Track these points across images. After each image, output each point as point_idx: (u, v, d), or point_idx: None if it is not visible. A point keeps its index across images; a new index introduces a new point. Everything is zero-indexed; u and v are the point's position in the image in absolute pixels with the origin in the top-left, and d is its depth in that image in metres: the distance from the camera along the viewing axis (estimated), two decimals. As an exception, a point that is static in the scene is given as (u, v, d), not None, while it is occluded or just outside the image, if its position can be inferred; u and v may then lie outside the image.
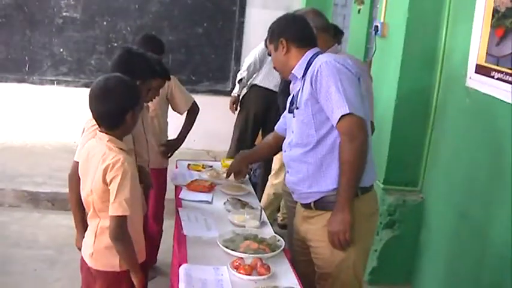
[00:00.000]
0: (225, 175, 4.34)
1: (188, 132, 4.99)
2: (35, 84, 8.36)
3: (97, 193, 2.92)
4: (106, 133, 2.96)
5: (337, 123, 3.10)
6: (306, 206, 3.40)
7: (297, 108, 3.30)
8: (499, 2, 3.73)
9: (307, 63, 3.30)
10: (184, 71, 8.41)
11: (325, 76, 3.12)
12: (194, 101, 5.00)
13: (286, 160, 3.47)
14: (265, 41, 3.62)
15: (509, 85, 3.57)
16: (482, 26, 3.90)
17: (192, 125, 5.02)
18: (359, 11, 5.87)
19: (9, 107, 8.36)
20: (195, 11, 8.46)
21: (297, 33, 3.40)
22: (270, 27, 3.51)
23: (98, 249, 3.03)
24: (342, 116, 3.07)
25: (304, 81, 3.28)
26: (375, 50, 5.11)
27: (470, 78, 4.05)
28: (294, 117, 3.37)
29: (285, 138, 3.57)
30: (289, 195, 3.78)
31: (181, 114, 4.96)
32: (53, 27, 8.29)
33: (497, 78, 3.71)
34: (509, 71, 3.58)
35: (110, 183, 2.87)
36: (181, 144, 4.93)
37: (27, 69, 8.39)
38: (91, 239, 3.06)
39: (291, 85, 3.64)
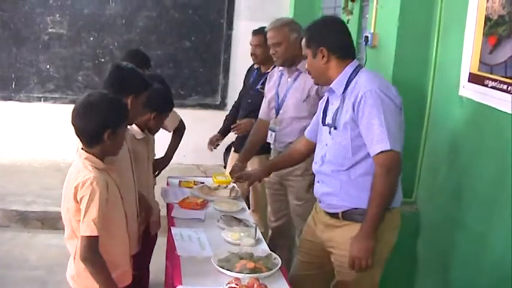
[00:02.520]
0: (217, 191, 4.36)
1: (175, 151, 4.97)
2: (22, 101, 8.31)
3: (71, 211, 2.90)
4: (86, 151, 2.94)
5: (376, 155, 3.16)
6: (333, 215, 3.47)
7: (335, 129, 3.32)
8: (491, 10, 3.69)
9: (348, 79, 3.31)
10: (172, 86, 8.24)
11: (368, 105, 3.16)
12: (181, 120, 4.96)
13: (317, 172, 3.53)
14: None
15: (504, 93, 3.52)
16: (475, 34, 3.86)
17: (179, 144, 5.01)
18: (348, 22, 5.83)
19: (-4, 125, 8.30)
20: (182, 25, 8.44)
21: (339, 42, 3.40)
22: (308, 30, 3.50)
23: (78, 272, 2.99)
24: (383, 151, 3.13)
25: (343, 99, 3.29)
26: (366, 61, 5.07)
27: (463, 87, 4.00)
28: (329, 134, 3.38)
29: (314, 143, 3.63)
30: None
31: (169, 131, 4.91)
32: (39, 44, 8.25)
33: (491, 87, 3.66)
34: (503, 79, 3.53)
35: (80, 202, 2.84)
36: (168, 163, 4.88)
37: (13, 86, 8.33)
38: (71, 260, 3.04)
39: (325, 94, 3.64)
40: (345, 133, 3.27)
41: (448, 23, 4.33)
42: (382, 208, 3.24)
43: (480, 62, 3.80)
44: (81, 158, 2.94)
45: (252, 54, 5.51)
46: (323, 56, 3.36)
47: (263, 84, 5.19)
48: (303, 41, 3.48)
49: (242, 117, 5.56)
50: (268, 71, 5.20)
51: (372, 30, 4.96)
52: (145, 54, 5.10)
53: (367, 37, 4.98)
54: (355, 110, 3.22)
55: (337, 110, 3.34)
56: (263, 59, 5.38)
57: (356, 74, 3.32)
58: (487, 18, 3.72)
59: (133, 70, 3.49)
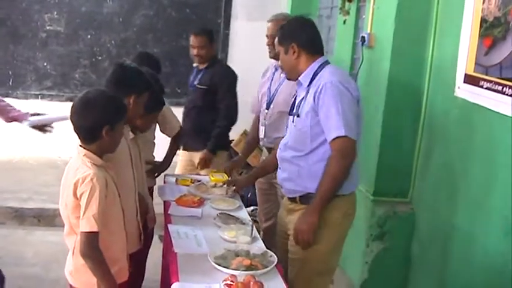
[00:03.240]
0: (214, 189, 4.38)
1: (174, 155, 5.02)
2: (19, 98, 8.27)
3: (70, 208, 2.91)
4: (84, 147, 2.95)
5: (332, 140, 3.38)
6: (292, 200, 3.72)
7: (298, 116, 3.55)
8: (487, 12, 3.72)
9: (314, 73, 3.54)
10: (169, 84, 8.33)
11: (328, 95, 3.39)
12: (181, 126, 5.04)
13: (280, 159, 3.73)
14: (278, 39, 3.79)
15: (498, 94, 3.56)
16: (470, 35, 3.89)
17: (177, 150, 5.08)
18: (344, 22, 5.86)
19: (-7, 122, 8.28)
20: (179, 24, 8.45)
21: (308, 39, 3.63)
22: (281, 28, 3.75)
23: (76, 267, 3.01)
24: (338, 137, 3.34)
25: (308, 91, 3.52)
26: (362, 61, 5.10)
27: (459, 87, 4.03)
28: (293, 122, 3.62)
29: None
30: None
31: (170, 136, 4.97)
32: (36, 41, 8.25)
33: (486, 88, 3.69)
34: (498, 81, 3.56)
35: (80, 199, 2.85)
36: (167, 168, 4.89)
37: (11, 83, 8.33)
38: (70, 257, 3.05)
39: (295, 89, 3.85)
40: (305, 121, 3.50)
41: (444, 24, 4.36)
42: (331, 189, 3.45)
43: (475, 63, 3.83)
44: (80, 154, 2.95)
45: (196, 56, 5.58)
46: (294, 52, 3.58)
47: (200, 80, 5.50)
48: (276, 38, 3.72)
49: (184, 114, 5.73)
50: (204, 66, 5.53)
51: (368, 31, 4.99)
52: (156, 58, 5.13)
53: (363, 37, 5.00)
54: (315, 100, 3.44)
55: (301, 100, 3.59)
56: (207, 58, 5.54)
57: (322, 69, 3.56)
58: (483, 20, 3.75)
59: (136, 70, 3.50)
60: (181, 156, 5.73)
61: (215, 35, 8.43)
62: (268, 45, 4.77)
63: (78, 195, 2.85)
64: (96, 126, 2.90)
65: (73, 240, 2.99)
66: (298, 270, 3.63)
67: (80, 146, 2.98)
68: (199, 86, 5.47)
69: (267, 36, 4.80)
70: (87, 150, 2.95)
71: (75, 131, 2.96)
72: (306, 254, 3.56)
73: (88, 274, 2.92)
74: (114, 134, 2.98)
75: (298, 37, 3.59)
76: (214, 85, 5.40)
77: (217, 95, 5.49)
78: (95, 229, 2.83)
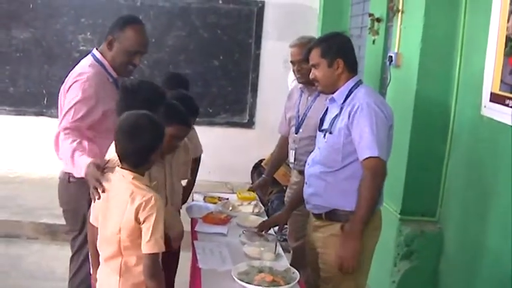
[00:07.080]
0: (241, 207, 4.44)
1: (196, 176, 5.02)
2: (53, 117, 8.37)
3: (126, 231, 2.91)
4: (130, 170, 2.96)
5: (364, 159, 3.41)
6: (318, 217, 3.73)
7: (330, 133, 3.58)
8: (511, 30, 3.72)
9: (349, 91, 3.57)
10: (201, 104, 8.31)
11: (363, 116, 3.43)
12: (202, 151, 5.05)
13: (307, 174, 3.76)
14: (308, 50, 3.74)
15: (524, 113, 3.55)
16: (496, 54, 3.88)
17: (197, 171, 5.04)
18: (374, 42, 5.88)
19: (28, 139, 8.45)
20: (211, 44, 8.54)
21: (352, 57, 3.68)
22: (324, 41, 3.70)
23: None
24: (370, 157, 3.38)
25: (342, 109, 3.56)
26: (390, 80, 5.11)
27: (485, 106, 4.03)
28: (324, 137, 3.65)
29: None
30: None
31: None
32: (70, 61, 8.31)
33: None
34: (524, 99, 3.56)
35: (144, 222, 2.86)
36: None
37: (45, 102, 8.50)
38: (114, 278, 3.01)
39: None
40: (338, 138, 3.53)
41: (470, 43, 4.36)
42: (368, 211, 3.46)
43: (501, 81, 3.83)
44: (126, 178, 2.94)
45: None
46: (338, 67, 3.59)
47: None
48: (316, 50, 3.64)
49: None
50: None
51: (396, 50, 5.00)
52: (185, 78, 5.14)
53: (391, 57, 5.01)
54: (350, 118, 3.47)
55: (335, 117, 3.60)
56: None
57: (356, 88, 3.58)
58: (508, 39, 3.75)
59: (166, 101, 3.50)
60: None
61: (246, 55, 8.60)
62: (296, 71, 4.59)
63: (142, 219, 2.86)
64: (148, 151, 2.94)
65: (118, 262, 2.99)
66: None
67: (124, 168, 2.97)
68: None
69: (292, 62, 4.63)
70: (135, 173, 2.95)
71: (123, 156, 2.97)
72: (337, 273, 3.55)
73: None
74: (158, 156, 3.05)
75: (345, 54, 3.62)
76: None
77: None
78: (162, 249, 2.88)
